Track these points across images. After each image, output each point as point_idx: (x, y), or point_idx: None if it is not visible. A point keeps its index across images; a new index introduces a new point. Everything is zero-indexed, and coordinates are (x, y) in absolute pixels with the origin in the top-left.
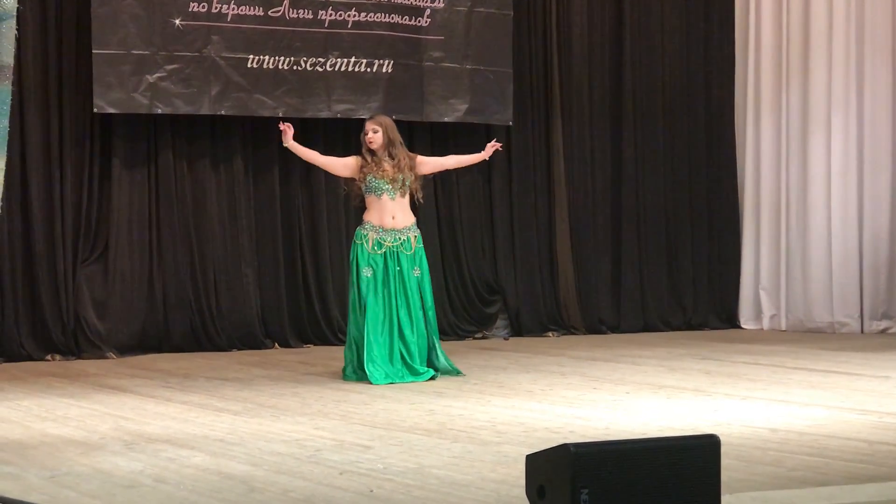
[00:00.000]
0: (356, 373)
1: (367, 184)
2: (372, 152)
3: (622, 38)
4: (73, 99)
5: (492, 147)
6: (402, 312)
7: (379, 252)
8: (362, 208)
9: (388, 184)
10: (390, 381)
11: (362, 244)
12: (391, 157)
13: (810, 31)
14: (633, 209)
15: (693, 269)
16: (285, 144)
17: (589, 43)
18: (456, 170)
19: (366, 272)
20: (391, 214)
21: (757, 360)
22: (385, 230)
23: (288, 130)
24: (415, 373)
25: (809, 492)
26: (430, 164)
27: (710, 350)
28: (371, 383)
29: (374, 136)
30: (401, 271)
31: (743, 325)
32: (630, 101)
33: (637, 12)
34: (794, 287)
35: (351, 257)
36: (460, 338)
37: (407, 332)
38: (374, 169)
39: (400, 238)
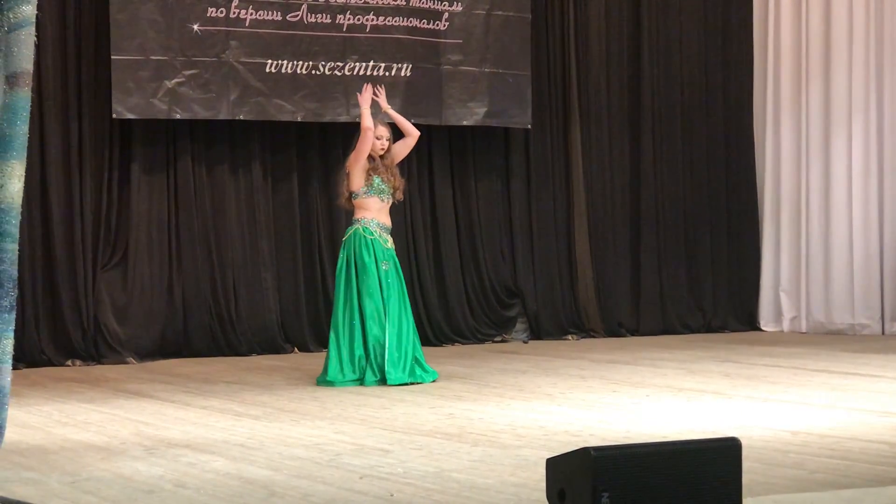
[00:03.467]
0: (376, 376)
1: (374, 185)
2: (381, 158)
3: (640, 41)
4: (93, 105)
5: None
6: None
7: (387, 247)
8: (351, 207)
9: (390, 188)
10: (411, 381)
11: (375, 240)
12: (384, 162)
13: (830, 33)
14: (652, 212)
15: (713, 272)
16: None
17: (607, 45)
18: (474, 171)
19: (384, 265)
20: (388, 216)
21: (777, 363)
22: (387, 230)
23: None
24: (425, 371)
25: (831, 494)
26: (399, 151)
27: (731, 352)
28: (388, 385)
29: (387, 143)
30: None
31: (763, 328)
32: (648, 103)
33: (655, 14)
34: (815, 289)
35: (360, 254)
36: (480, 341)
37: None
38: (382, 172)
39: (390, 238)
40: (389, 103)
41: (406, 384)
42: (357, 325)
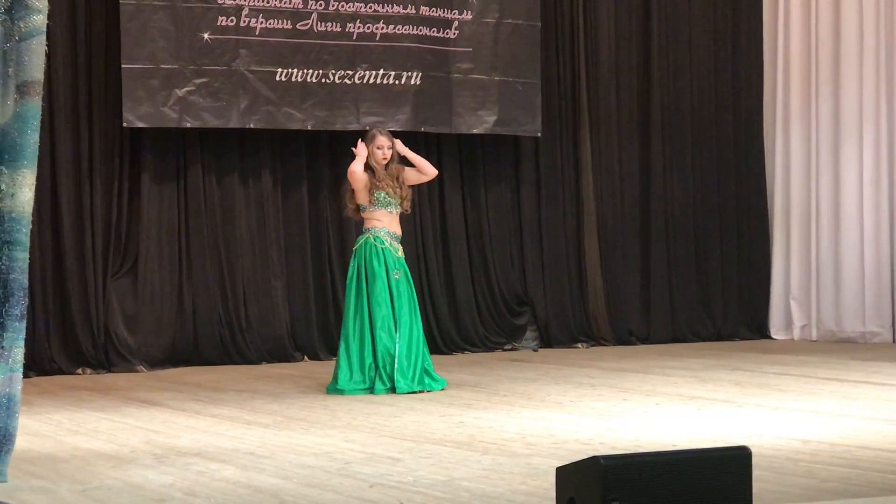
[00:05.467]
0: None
1: (379, 199)
2: (385, 166)
3: (650, 49)
4: (103, 113)
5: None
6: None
7: (397, 255)
8: (359, 219)
9: (396, 199)
10: (420, 389)
11: (386, 248)
12: (388, 172)
13: (840, 39)
14: (661, 220)
15: (723, 280)
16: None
17: (617, 53)
18: (484, 179)
19: (395, 274)
20: (398, 225)
21: (788, 371)
22: (397, 238)
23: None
24: (434, 379)
25: (842, 503)
26: (412, 178)
27: (741, 361)
28: (398, 394)
29: (389, 152)
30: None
31: (773, 336)
32: (658, 111)
33: (665, 22)
34: (825, 297)
35: (370, 263)
36: (489, 349)
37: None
38: (386, 186)
39: (401, 247)
40: (399, 112)
41: (415, 392)
42: (367, 334)
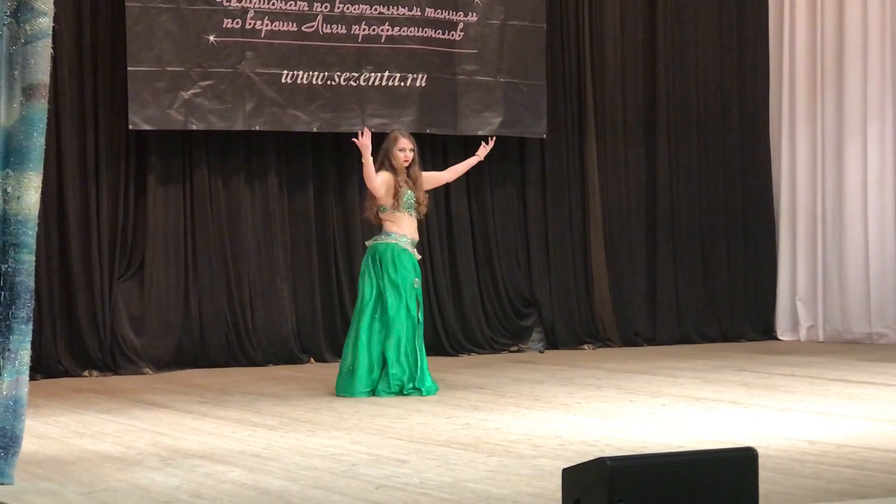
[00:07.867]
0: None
1: (405, 200)
2: (407, 170)
3: (655, 50)
4: (109, 116)
5: (485, 149)
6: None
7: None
8: (378, 223)
9: (416, 201)
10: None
11: (411, 255)
12: (409, 175)
13: (844, 40)
14: (667, 221)
15: (729, 281)
16: (365, 159)
17: (622, 55)
18: (490, 181)
19: (416, 283)
20: (416, 231)
21: (794, 372)
22: (415, 245)
23: (366, 141)
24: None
25: None
26: (432, 180)
27: (747, 362)
28: (424, 396)
29: (411, 154)
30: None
31: (780, 337)
32: (664, 112)
33: (670, 23)
34: (832, 298)
35: (388, 269)
36: (496, 351)
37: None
38: (411, 186)
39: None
40: (405, 114)
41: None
42: (380, 342)
